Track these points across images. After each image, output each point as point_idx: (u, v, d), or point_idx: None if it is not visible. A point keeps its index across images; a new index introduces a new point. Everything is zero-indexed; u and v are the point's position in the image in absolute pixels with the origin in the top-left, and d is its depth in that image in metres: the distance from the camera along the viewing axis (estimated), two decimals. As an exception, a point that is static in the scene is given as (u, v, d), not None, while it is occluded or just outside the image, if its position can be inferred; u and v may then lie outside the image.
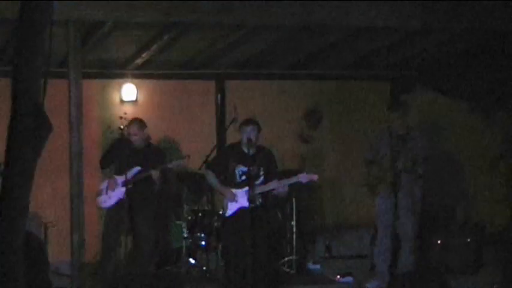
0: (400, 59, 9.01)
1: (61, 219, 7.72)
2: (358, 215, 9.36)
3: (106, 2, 6.33)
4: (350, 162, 9.44)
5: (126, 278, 6.06)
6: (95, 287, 7.03)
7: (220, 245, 7.84)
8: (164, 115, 9.11)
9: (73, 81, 6.56)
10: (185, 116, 9.21)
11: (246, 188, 6.93)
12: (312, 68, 9.39)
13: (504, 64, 8.29)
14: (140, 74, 8.97)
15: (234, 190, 7.07)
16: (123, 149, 7.38)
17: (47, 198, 8.26)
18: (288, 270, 8.09)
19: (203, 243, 8.04)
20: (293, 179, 6.97)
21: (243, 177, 7.04)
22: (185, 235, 8.07)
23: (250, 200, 6.89)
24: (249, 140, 6.94)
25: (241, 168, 7.07)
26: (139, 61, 8.42)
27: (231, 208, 7.09)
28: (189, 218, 8.15)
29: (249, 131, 6.96)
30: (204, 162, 7.97)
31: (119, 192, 7.39)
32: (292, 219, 8.23)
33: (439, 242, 8.24)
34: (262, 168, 7.07)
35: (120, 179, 7.38)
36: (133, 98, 9.06)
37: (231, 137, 8.29)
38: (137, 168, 7.34)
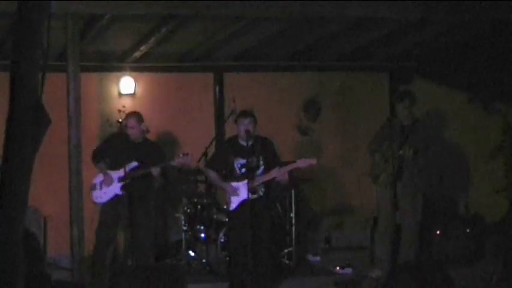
0: (399, 49, 9.02)
1: (60, 213, 7.70)
2: (357, 206, 9.37)
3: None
4: (349, 153, 9.48)
5: (126, 271, 6.04)
6: (94, 281, 7.02)
7: (219, 238, 7.85)
8: (162, 108, 9.08)
9: (71, 75, 6.57)
10: (183, 109, 9.17)
11: (247, 181, 6.93)
12: (311, 60, 9.40)
13: (503, 54, 8.29)
14: (138, 67, 8.94)
15: (235, 184, 7.08)
16: (119, 144, 7.31)
17: (46, 192, 8.20)
18: (287, 262, 8.10)
19: (202, 235, 8.04)
20: (292, 165, 7.00)
21: (243, 170, 7.06)
22: (184, 228, 8.08)
23: (251, 192, 6.89)
24: (248, 131, 6.93)
25: (240, 161, 7.08)
26: (137, 54, 8.39)
27: (234, 202, 7.10)
28: (188, 210, 8.14)
29: (247, 123, 6.95)
30: (203, 154, 7.99)
31: (115, 187, 7.30)
32: (291, 211, 8.23)
33: (438, 232, 8.27)
34: (261, 158, 7.07)
35: (116, 174, 7.29)
36: (132, 91, 9.03)
37: (230, 130, 8.32)
38: (134, 164, 7.27)
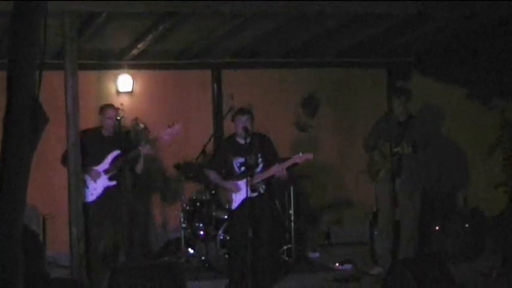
0: (397, 45, 8.99)
1: (59, 211, 7.68)
2: (357, 202, 9.37)
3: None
4: (348, 149, 9.47)
5: (125, 269, 6.01)
6: (92, 278, 7.02)
7: (219, 235, 7.86)
8: (160, 106, 9.08)
9: (69, 73, 6.54)
10: (181, 106, 9.16)
11: (247, 178, 6.91)
12: (309, 56, 9.37)
13: (502, 50, 8.29)
14: (136, 64, 8.93)
15: (236, 182, 7.08)
16: (91, 139, 7.22)
17: (44, 191, 8.23)
18: (286, 258, 8.10)
19: (202, 233, 8.04)
20: (289, 161, 7.00)
21: (242, 169, 7.05)
22: (183, 225, 8.07)
23: (251, 190, 6.88)
24: (246, 128, 6.92)
25: (238, 160, 7.08)
26: (135, 52, 8.37)
27: (236, 200, 7.11)
28: (187, 207, 8.15)
29: (244, 120, 6.95)
30: (201, 152, 7.97)
31: (103, 181, 7.27)
32: (290, 208, 8.24)
33: (437, 228, 8.28)
34: (260, 156, 7.07)
35: (100, 168, 7.27)
36: (130, 89, 9.03)
37: (228, 127, 8.31)
38: (116, 152, 7.24)
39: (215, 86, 9.35)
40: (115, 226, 7.27)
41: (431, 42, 8.92)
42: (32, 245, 3.81)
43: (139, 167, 7.34)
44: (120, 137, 7.36)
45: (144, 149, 7.20)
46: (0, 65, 6.73)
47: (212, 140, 8.60)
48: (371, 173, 7.61)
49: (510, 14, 7.17)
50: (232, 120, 7.16)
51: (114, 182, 7.26)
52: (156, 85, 9.22)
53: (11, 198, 2.55)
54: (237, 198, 7.10)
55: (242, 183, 7.00)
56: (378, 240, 7.65)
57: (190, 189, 8.46)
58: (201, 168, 7.91)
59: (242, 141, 6.96)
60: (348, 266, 7.87)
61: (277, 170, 6.97)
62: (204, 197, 8.12)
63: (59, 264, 7.74)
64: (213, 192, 8.00)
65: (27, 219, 7.83)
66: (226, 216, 7.76)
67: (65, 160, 7.13)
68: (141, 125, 8.54)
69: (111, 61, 8.85)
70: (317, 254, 8.50)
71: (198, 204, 8.14)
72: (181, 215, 8.09)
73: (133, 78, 9.03)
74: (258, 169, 7.05)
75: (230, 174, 7.17)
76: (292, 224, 8.17)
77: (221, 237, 7.83)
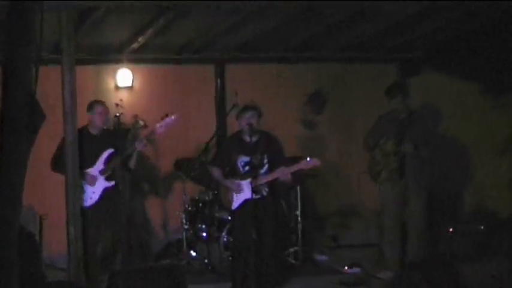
0: (407, 39, 8.99)
1: (56, 211, 7.69)
2: (365, 202, 9.37)
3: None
4: (356, 148, 9.22)
5: (124, 271, 6.07)
6: (90, 281, 7.06)
7: (222, 236, 7.88)
8: (161, 102, 9.07)
9: (66, 68, 6.57)
10: (183, 103, 9.15)
11: (250, 180, 6.94)
12: (316, 51, 9.39)
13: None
14: (136, 58, 8.94)
15: (238, 182, 7.12)
16: (81, 142, 7.04)
17: (41, 190, 8.26)
18: (293, 261, 8.14)
19: (204, 234, 8.06)
20: (295, 167, 6.99)
21: (246, 168, 7.06)
22: (185, 226, 8.09)
23: (253, 191, 6.88)
24: (250, 125, 6.94)
25: (243, 159, 7.09)
26: (135, 45, 8.39)
27: (237, 201, 7.14)
28: (189, 208, 8.17)
29: (249, 117, 6.96)
30: (204, 150, 7.99)
31: (101, 183, 7.29)
32: (297, 209, 8.26)
33: (450, 230, 8.32)
34: (266, 156, 7.08)
35: (95, 170, 7.28)
36: (129, 84, 9.04)
37: (232, 124, 8.33)
38: (110, 151, 7.26)
39: (218, 81, 9.36)
40: (113, 228, 7.30)
41: (442, 36, 8.89)
42: (28, 246, 3.85)
43: (132, 163, 7.33)
44: (111, 134, 7.40)
45: (140, 145, 7.21)
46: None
47: (215, 138, 8.60)
48: (372, 174, 7.63)
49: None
50: (237, 119, 7.18)
51: (112, 183, 7.29)
52: (157, 80, 9.23)
53: (7, 196, 2.57)
54: (238, 199, 7.12)
55: (245, 183, 7.03)
56: (385, 243, 7.67)
57: (192, 189, 8.48)
58: (202, 168, 7.94)
59: (248, 139, 6.96)
60: (356, 269, 7.88)
61: (282, 173, 6.98)
62: (206, 197, 8.15)
63: (56, 267, 7.77)
64: (216, 192, 8.01)
65: (23, 219, 7.85)
66: (229, 218, 7.78)
67: (55, 165, 7.24)
68: (141, 123, 8.41)
69: (110, 55, 8.86)
70: (324, 257, 8.54)
71: (200, 204, 8.17)
72: (183, 215, 8.12)
73: (133, 72, 9.03)
74: (263, 170, 7.05)
75: (233, 173, 7.18)
76: (299, 225, 8.19)
77: (224, 239, 7.86)
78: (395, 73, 9.71)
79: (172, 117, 7.09)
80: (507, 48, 8.39)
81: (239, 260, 7.08)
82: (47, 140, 6.75)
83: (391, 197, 7.44)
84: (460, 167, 9.42)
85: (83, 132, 7.19)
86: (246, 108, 7.11)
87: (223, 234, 7.90)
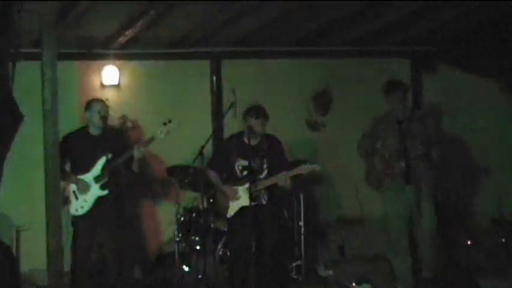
0: (421, 32, 8.98)
1: (36, 222, 7.72)
2: (377, 211, 9.10)
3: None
4: None
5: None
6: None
7: (218, 249, 7.90)
8: (151, 101, 9.11)
9: (47, 63, 6.58)
10: (175, 102, 9.16)
11: (247, 185, 6.97)
12: (322, 45, 9.40)
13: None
14: (123, 54, 8.94)
15: (235, 188, 7.16)
16: (79, 142, 7.31)
17: (19, 198, 8.26)
18: (296, 276, 8.13)
19: (198, 247, 8.05)
20: (293, 171, 7.05)
21: (245, 173, 7.11)
22: (177, 238, 8.07)
23: (251, 198, 6.92)
24: (250, 128, 7.05)
25: (241, 163, 7.14)
26: (122, 39, 8.34)
27: (233, 208, 7.23)
28: (182, 218, 8.16)
29: (257, 120, 7.07)
30: (199, 154, 7.96)
31: (95, 191, 7.32)
32: (300, 218, 8.24)
33: (469, 242, 8.35)
34: (265, 161, 7.14)
35: (89, 176, 7.32)
36: (116, 82, 9.04)
37: (229, 125, 8.43)
38: (108, 155, 7.27)
39: (214, 78, 9.38)
40: (105, 240, 7.33)
41: (459, 28, 8.88)
42: (3, 259, 3.82)
43: (135, 166, 7.38)
44: (114, 134, 7.47)
45: (138, 153, 7.23)
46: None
47: (211, 141, 8.55)
48: (372, 182, 7.62)
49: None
50: (244, 119, 7.25)
51: (106, 191, 7.29)
52: (146, 78, 9.22)
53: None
54: (234, 206, 7.21)
55: (242, 189, 7.13)
56: (394, 255, 7.68)
57: (185, 197, 8.51)
58: (197, 173, 7.93)
59: (249, 142, 7.08)
60: (366, 286, 7.87)
61: (281, 178, 7.00)
62: (201, 206, 8.07)
63: (34, 283, 7.78)
64: (211, 200, 8.03)
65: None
66: (226, 229, 7.80)
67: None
68: (129, 124, 8.69)
69: (95, 50, 8.85)
70: (331, 272, 8.52)
71: (194, 214, 8.16)
72: (175, 226, 8.09)
73: (120, 69, 9.04)
74: (262, 176, 7.12)
75: (231, 178, 7.24)
76: (302, 237, 8.19)
77: (220, 252, 7.87)
78: (407, 69, 9.75)
79: (175, 123, 7.21)
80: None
81: (237, 275, 7.09)
82: (34, 142, 6.80)
83: (397, 206, 7.43)
84: (475, 171, 9.46)
85: (81, 133, 7.34)
86: (254, 111, 7.19)
87: (220, 246, 7.91)
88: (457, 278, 6.08)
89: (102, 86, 9.02)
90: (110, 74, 9.02)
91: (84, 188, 7.29)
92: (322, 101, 9.67)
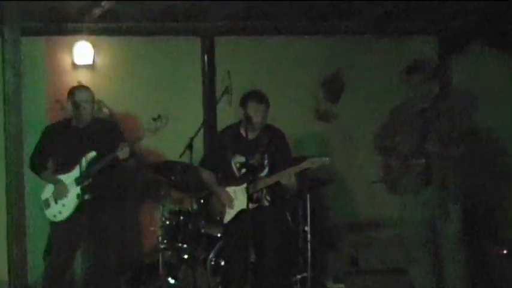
0: (450, 7, 8.96)
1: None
2: (396, 214, 9.15)
3: None
4: None
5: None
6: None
7: (210, 259, 7.93)
8: (131, 84, 9.11)
9: (9, 40, 6.62)
10: (160, 86, 9.20)
11: (246, 185, 6.98)
12: (333, 21, 9.37)
13: None
14: (99, 29, 8.93)
15: (232, 188, 7.20)
16: (62, 135, 7.29)
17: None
18: (300, 291, 8.13)
19: (186, 256, 8.06)
20: (298, 167, 7.04)
21: (243, 171, 7.14)
22: (162, 246, 8.08)
23: (252, 200, 6.98)
24: (249, 118, 7.03)
25: (239, 159, 7.18)
26: (97, 11, 8.35)
27: (230, 212, 7.24)
28: (168, 222, 8.15)
29: (257, 108, 7.07)
30: (187, 146, 7.91)
31: (75, 194, 7.29)
32: (306, 223, 8.19)
33: (504, 251, 8.39)
34: (267, 156, 7.15)
35: (70, 177, 7.29)
36: (89, 62, 9.06)
37: (224, 114, 8.49)
38: (92, 154, 7.26)
39: (206, 58, 9.38)
40: (87, 251, 7.37)
41: (495, 3, 8.76)
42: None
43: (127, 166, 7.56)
44: (104, 126, 7.50)
45: (123, 153, 7.23)
46: None
47: (202, 131, 8.43)
48: (387, 183, 7.55)
49: None
50: (243, 106, 7.23)
51: (87, 196, 7.27)
52: (126, 57, 9.22)
53: None
54: (231, 209, 7.23)
55: (240, 189, 7.12)
56: (412, 267, 7.57)
57: (172, 198, 8.59)
58: (186, 170, 7.96)
59: (248, 135, 7.05)
60: (382, 303, 7.93)
61: (284, 176, 7.01)
62: (189, 208, 8.11)
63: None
64: (202, 201, 8.02)
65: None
66: (219, 235, 7.80)
67: (35, 167, 7.43)
68: (105, 110, 8.76)
69: (66, 24, 8.80)
70: (342, 286, 8.55)
71: (181, 217, 8.14)
72: (160, 232, 8.08)
73: (94, 47, 9.03)
74: (263, 174, 7.12)
75: (229, 177, 7.27)
76: (309, 245, 8.15)
77: (213, 261, 7.90)
78: (434, 50, 9.75)
79: (164, 120, 7.28)
80: None
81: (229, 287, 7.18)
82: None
83: (416, 211, 7.32)
84: (505, 170, 9.51)
85: (65, 126, 7.35)
86: (253, 96, 7.18)
87: (212, 255, 7.93)
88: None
89: (74, 66, 9.03)
90: (82, 52, 9.03)
91: (62, 190, 7.28)
92: (333, 87, 9.68)
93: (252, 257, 6.95)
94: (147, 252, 8.90)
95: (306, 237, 8.18)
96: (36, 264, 7.74)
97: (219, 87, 8.71)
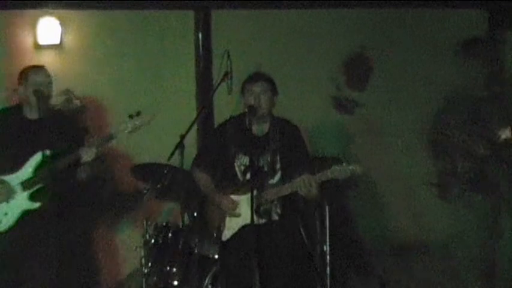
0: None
1: None
2: (434, 229, 9.23)
3: None
4: (420, 144, 9.09)
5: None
6: None
7: (205, 285, 7.77)
8: (107, 69, 9.03)
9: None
10: (144, 70, 9.12)
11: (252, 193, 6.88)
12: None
13: None
14: (68, 2, 8.90)
15: (235, 197, 7.10)
16: (9, 128, 7.14)
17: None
18: (317, 323, 8.08)
19: (176, 282, 7.84)
20: (323, 176, 6.88)
21: (248, 175, 7.02)
22: (146, 270, 7.91)
23: (257, 213, 6.81)
24: (251, 108, 6.94)
25: (244, 160, 7.12)
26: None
27: (231, 227, 7.12)
28: (152, 240, 7.96)
29: (258, 92, 6.95)
30: (178, 145, 7.58)
31: (20, 200, 7.11)
32: (325, 241, 8.15)
33: None
34: (279, 157, 7.05)
35: (15, 178, 7.10)
36: (57, 41, 8.95)
37: (222, 104, 8.28)
38: (44, 152, 7.01)
39: (200, 36, 9.24)
40: (40, 271, 7.10)
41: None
42: None
43: (83, 173, 7.28)
44: (61, 118, 7.44)
45: (88, 155, 7.07)
46: None
47: (196, 126, 8.32)
48: (437, 187, 7.75)
49: None
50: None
51: (37, 204, 7.11)
52: (101, 35, 9.16)
53: None
54: (233, 223, 7.13)
55: (244, 199, 7.01)
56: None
57: (158, 210, 8.56)
58: (176, 174, 7.86)
59: (254, 130, 7.05)
60: None
61: (303, 185, 6.82)
62: (180, 223, 7.89)
63: None
64: (196, 214, 7.83)
65: None
66: (217, 255, 7.62)
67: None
68: (76, 102, 8.69)
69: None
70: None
71: (170, 234, 7.98)
72: (142, 252, 7.90)
73: (62, 23, 8.93)
74: (274, 180, 7.02)
75: (230, 182, 7.17)
76: (328, 268, 8.10)
77: (208, 289, 7.76)
78: (484, 25, 9.67)
79: (147, 118, 7.13)
80: None
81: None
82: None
83: (469, 222, 7.42)
84: None
85: (14, 114, 7.27)
86: (253, 78, 7.09)
87: (208, 281, 7.78)
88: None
89: (37, 46, 8.99)
90: (48, 29, 8.97)
91: (4, 194, 7.02)
92: (357, 70, 9.55)
93: (257, 285, 6.69)
94: (126, 278, 8.75)
95: (325, 258, 8.14)
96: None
97: (217, 72, 8.16)
